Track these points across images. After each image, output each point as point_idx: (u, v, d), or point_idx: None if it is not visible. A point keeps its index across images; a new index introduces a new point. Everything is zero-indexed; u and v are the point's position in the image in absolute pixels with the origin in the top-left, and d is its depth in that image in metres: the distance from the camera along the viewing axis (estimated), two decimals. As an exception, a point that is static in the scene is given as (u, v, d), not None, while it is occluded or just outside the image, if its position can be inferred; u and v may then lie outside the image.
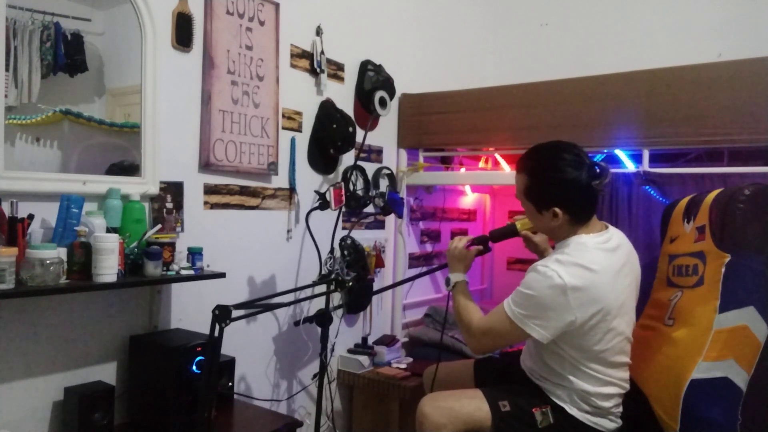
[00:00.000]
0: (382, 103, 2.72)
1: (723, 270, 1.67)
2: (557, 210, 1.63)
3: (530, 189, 1.68)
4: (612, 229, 1.73)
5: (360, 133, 2.64)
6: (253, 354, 2.29)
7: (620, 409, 1.72)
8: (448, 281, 1.88)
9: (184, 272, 1.80)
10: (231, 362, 1.98)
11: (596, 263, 1.58)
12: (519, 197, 1.73)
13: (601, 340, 1.61)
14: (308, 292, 2.29)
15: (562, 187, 1.63)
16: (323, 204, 2.25)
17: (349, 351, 2.72)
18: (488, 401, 1.70)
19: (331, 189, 2.24)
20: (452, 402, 1.72)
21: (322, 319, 2.11)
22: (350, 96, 2.74)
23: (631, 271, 1.71)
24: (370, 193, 2.80)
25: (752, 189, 1.69)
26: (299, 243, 2.48)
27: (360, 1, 2.79)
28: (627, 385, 1.72)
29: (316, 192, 2.34)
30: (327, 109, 2.54)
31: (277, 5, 2.32)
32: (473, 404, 1.70)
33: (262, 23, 2.25)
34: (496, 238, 1.94)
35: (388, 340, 2.80)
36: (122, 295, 1.84)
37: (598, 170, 1.62)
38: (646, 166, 2.29)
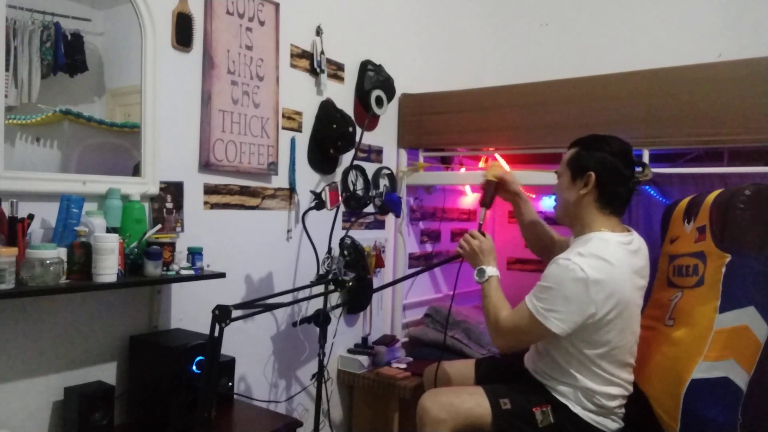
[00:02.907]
0: (379, 102, 2.72)
1: (723, 270, 1.67)
2: (591, 175, 1.67)
3: (573, 156, 1.74)
4: (635, 233, 1.75)
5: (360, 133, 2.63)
6: (253, 354, 2.29)
7: (623, 410, 1.72)
8: (482, 273, 1.80)
9: (184, 272, 1.80)
10: (231, 362, 1.98)
11: (615, 258, 1.61)
12: (560, 169, 1.79)
13: (616, 336, 1.63)
14: (308, 292, 2.28)
15: (604, 156, 1.69)
16: (319, 204, 2.25)
17: (349, 351, 2.72)
18: (489, 398, 1.70)
19: (327, 189, 2.24)
20: (453, 397, 1.73)
21: (320, 319, 2.11)
22: (350, 96, 2.74)
23: (645, 275, 1.74)
24: (370, 193, 2.79)
25: (752, 189, 1.69)
26: (299, 243, 2.48)
27: (360, 1, 2.79)
28: (631, 388, 1.72)
29: (312, 192, 2.34)
30: (327, 109, 2.54)
31: (277, 5, 2.32)
32: (474, 400, 1.71)
33: (262, 23, 2.25)
34: (487, 204, 2.00)
35: (388, 340, 2.80)
36: (122, 295, 1.84)
37: (640, 167, 1.74)
38: (646, 166, 2.29)
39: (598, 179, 1.67)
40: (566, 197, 1.75)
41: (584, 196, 1.70)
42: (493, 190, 2.00)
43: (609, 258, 1.59)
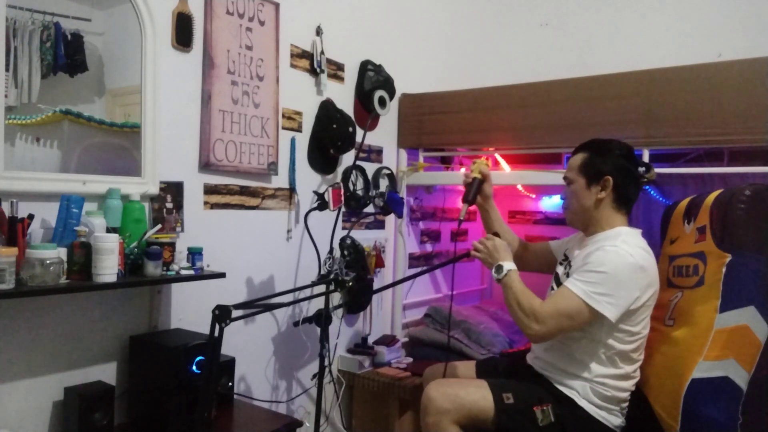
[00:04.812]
0: (382, 102, 2.72)
1: (724, 270, 1.67)
2: (609, 180, 1.73)
3: (586, 162, 1.79)
4: None
5: (360, 133, 2.63)
6: (253, 354, 2.29)
7: (627, 405, 1.74)
8: (500, 269, 1.77)
9: (184, 272, 1.80)
10: (231, 362, 1.98)
11: (647, 249, 1.71)
12: (570, 175, 1.82)
13: (643, 325, 1.70)
14: (308, 292, 2.28)
15: (616, 160, 1.76)
16: (322, 204, 2.25)
17: (349, 351, 2.72)
18: (492, 392, 1.71)
19: (330, 189, 2.24)
20: (458, 389, 1.74)
21: (321, 319, 2.10)
22: (350, 96, 2.74)
23: None
24: (370, 193, 2.79)
25: (752, 189, 1.69)
26: (299, 243, 2.48)
27: (360, 1, 2.79)
28: (635, 384, 1.75)
29: (315, 192, 2.34)
30: (327, 109, 2.54)
31: (277, 5, 2.32)
32: (479, 393, 1.72)
33: (262, 23, 2.25)
34: (470, 201, 1.97)
35: (388, 340, 2.80)
36: (122, 295, 1.84)
37: (644, 167, 1.83)
38: (646, 166, 2.29)
39: (615, 182, 1.73)
40: (583, 202, 1.79)
41: (602, 200, 1.76)
42: (477, 186, 1.99)
43: (645, 248, 1.70)
